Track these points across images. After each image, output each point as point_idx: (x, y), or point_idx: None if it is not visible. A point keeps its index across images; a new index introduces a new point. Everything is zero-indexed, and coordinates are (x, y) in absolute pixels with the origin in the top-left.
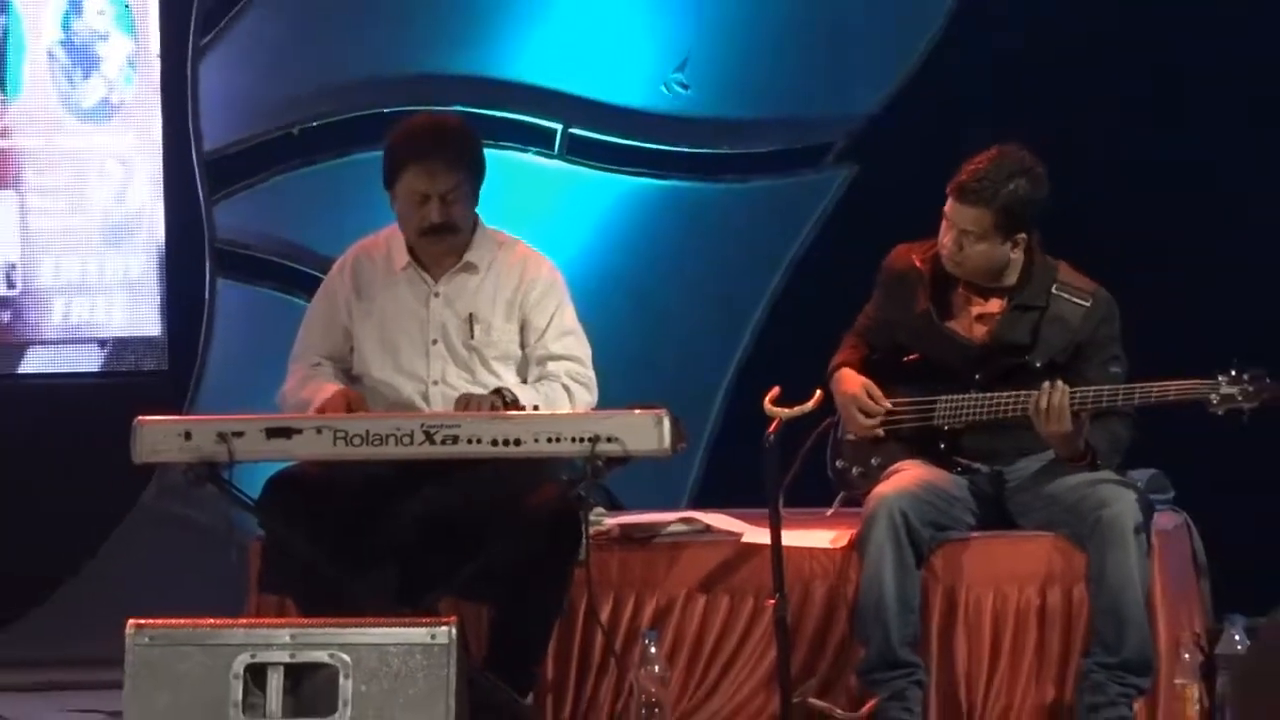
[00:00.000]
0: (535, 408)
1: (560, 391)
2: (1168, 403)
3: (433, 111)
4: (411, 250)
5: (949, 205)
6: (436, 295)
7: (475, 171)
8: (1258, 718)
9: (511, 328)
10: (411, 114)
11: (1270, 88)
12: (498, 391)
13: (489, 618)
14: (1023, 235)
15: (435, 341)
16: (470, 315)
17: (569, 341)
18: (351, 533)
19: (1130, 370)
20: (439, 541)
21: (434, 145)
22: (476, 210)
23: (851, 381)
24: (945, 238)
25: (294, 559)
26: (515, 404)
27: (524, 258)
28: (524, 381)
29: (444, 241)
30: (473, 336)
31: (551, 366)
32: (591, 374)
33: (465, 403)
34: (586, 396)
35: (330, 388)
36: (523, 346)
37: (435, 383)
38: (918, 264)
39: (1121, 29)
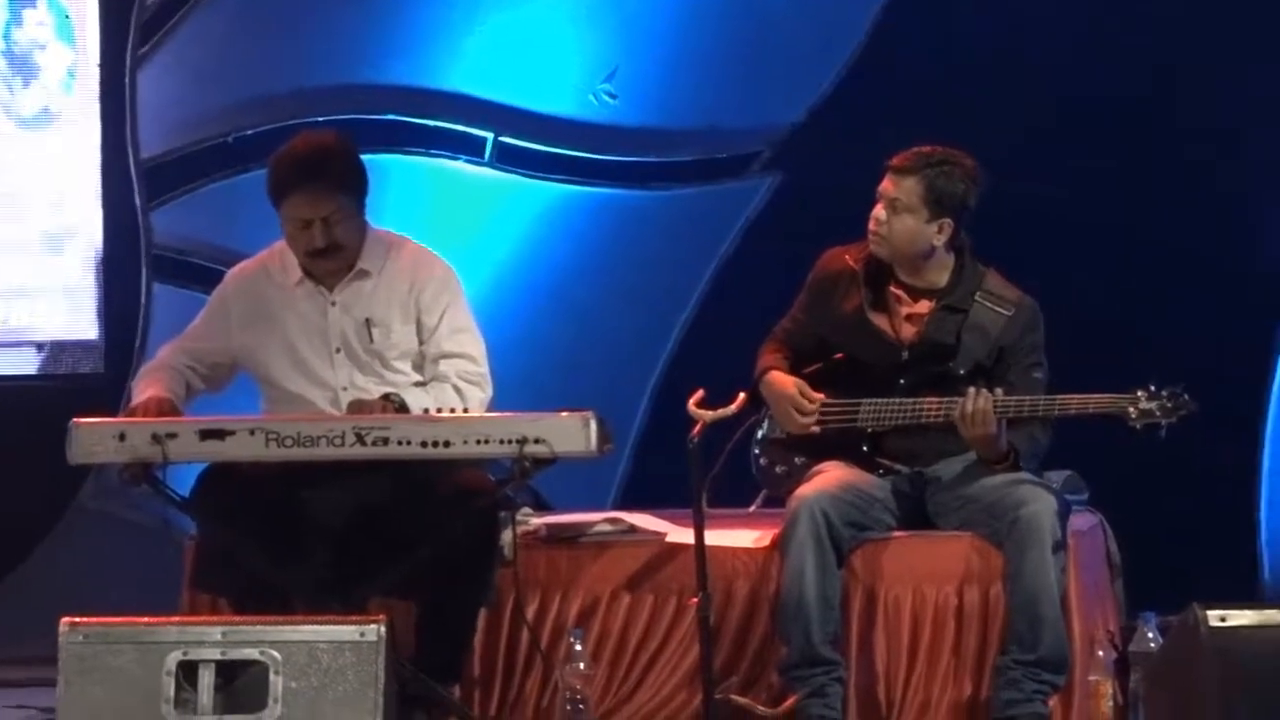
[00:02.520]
0: (425, 410)
1: (451, 393)
2: (1087, 415)
3: (308, 132)
4: (303, 264)
5: (885, 180)
6: (334, 304)
7: (355, 190)
8: (1168, 714)
9: (409, 328)
10: (297, 135)
11: (1189, 98)
12: (386, 396)
13: (414, 612)
14: (948, 222)
15: (338, 350)
16: (367, 320)
17: (461, 339)
18: (282, 529)
19: (1052, 377)
20: (368, 536)
21: (310, 173)
22: (365, 218)
23: (784, 382)
24: (876, 212)
25: (226, 557)
26: (404, 408)
27: (416, 257)
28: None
29: (331, 261)
30: (372, 341)
31: (443, 366)
32: (484, 370)
33: (357, 407)
34: (479, 395)
35: (150, 390)
36: (420, 344)
37: (344, 389)
38: (850, 263)
39: (1039, 40)
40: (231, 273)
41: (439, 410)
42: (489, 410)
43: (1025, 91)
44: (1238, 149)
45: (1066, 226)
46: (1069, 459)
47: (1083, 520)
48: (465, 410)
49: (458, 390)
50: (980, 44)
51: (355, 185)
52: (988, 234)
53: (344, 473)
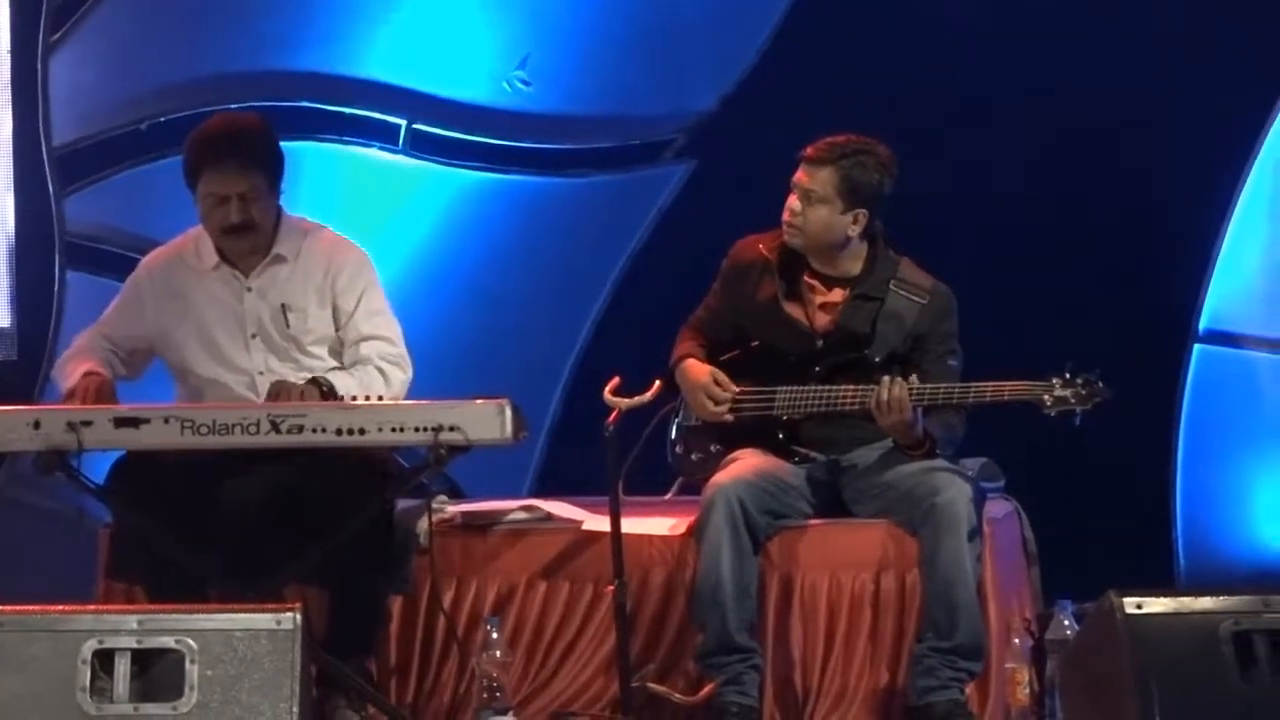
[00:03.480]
0: (354, 397)
1: (375, 374)
2: (1002, 402)
3: (224, 113)
4: (220, 249)
5: (799, 171)
6: (250, 290)
7: (271, 169)
8: (1084, 700)
9: (325, 313)
10: (210, 117)
11: (1091, 89)
12: (314, 380)
13: (324, 595)
14: (863, 212)
15: (254, 335)
16: (283, 305)
17: (378, 321)
18: (196, 516)
19: (968, 363)
20: (279, 521)
21: (228, 149)
22: (279, 203)
23: (698, 370)
24: (790, 202)
25: (142, 545)
26: (332, 392)
27: (331, 244)
28: (340, 364)
29: (245, 240)
30: (288, 326)
31: (364, 350)
32: (402, 351)
33: (278, 391)
34: (400, 375)
35: (83, 367)
36: (336, 329)
37: (260, 373)
38: (764, 252)
39: (954, 27)
40: (145, 259)
41: (366, 395)
42: (408, 392)
43: (939, 78)
44: (1158, 141)
45: (980, 215)
46: (985, 446)
47: (998, 508)
48: (388, 391)
49: (380, 371)
50: (894, 30)
51: (271, 165)
52: (900, 222)
53: (257, 459)
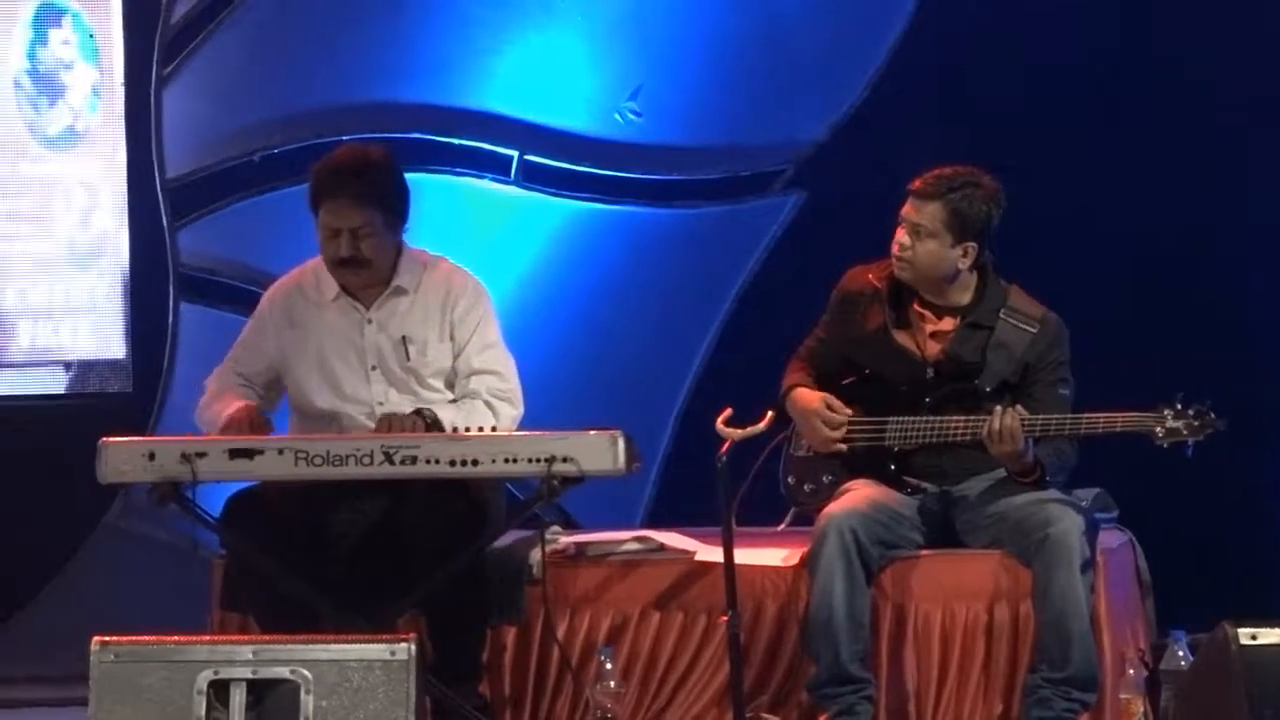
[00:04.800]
0: (455, 428)
1: (483, 410)
2: (1114, 433)
3: (348, 145)
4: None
5: (906, 205)
6: (369, 322)
7: (390, 206)
8: None
9: (444, 346)
10: (334, 149)
11: (1227, 118)
12: (418, 412)
13: (435, 633)
14: (973, 245)
15: (374, 367)
16: (404, 338)
17: (490, 356)
18: (310, 548)
19: (1080, 392)
20: (391, 552)
21: (345, 183)
22: (401, 237)
23: (810, 397)
24: (899, 236)
25: (255, 576)
26: (436, 424)
27: (449, 275)
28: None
29: (355, 274)
30: (408, 359)
31: (474, 383)
32: (513, 387)
33: (387, 423)
34: (510, 411)
35: (236, 403)
36: (454, 361)
37: (380, 404)
38: (874, 281)
39: (1062, 55)
40: (268, 290)
41: (469, 428)
42: (519, 427)
43: (1049, 108)
44: (1269, 154)
45: (1089, 241)
46: (1098, 477)
47: (1112, 538)
48: (496, 427)
49: (489, 406)
50: (1001, 60)
51: (390, 202)
52: (1010, 250)
53: (369, 490)
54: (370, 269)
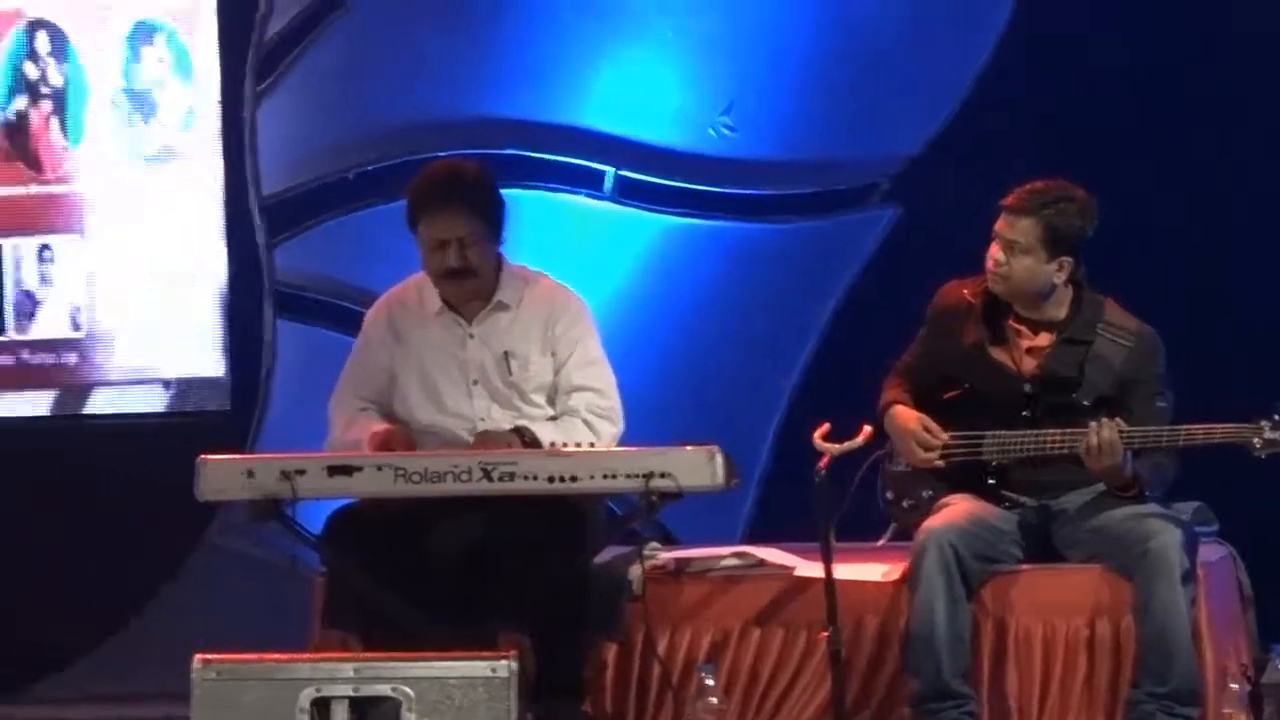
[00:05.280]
0: (553, 444)
1: (581, 427)
2: (1212, 445)
3: (445, 160)
4: (444, 295)
5: (1000, 220)
6: (472, 336)
7: (491, 216)
8: None
9: (546, 361)
10: (432, 163)
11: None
12: (517, 429)
13: (536, 650)
14: (1067, 260)
15: (476, 382)
16: (506, 353)
17: (590, 372)
18: (410, 564)
19: (1178, 403)
20: (491, 569)
21: (447, 194)
22: (500, 250)
23: (907, 416)
24: (993, 252)
25: (356, 593)
26: (534, 442)
27: (551, 291)
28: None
29: (463, 285)
30: (510, 373)
31: (573, 400)
32: (613, 404)
33: (484, 440)
34: (608, 429)
35: (379, 425)
36: (555, 377)
37: (482, 420)
38: (969, 297)
39: (1164, 65)
40: (370, 311)
41: (568, 445)
42: (618, 444)
43: (1147, 119)
44: None
45: (1184, 253)
46: (1198, 490)
47: (1212, 552)
48: (595, 444)
49: (588, 424)
50: (1097, 73)
51: (491, 212)
52: (1104, 262)
53: (468, 506)
54: (477, 279)
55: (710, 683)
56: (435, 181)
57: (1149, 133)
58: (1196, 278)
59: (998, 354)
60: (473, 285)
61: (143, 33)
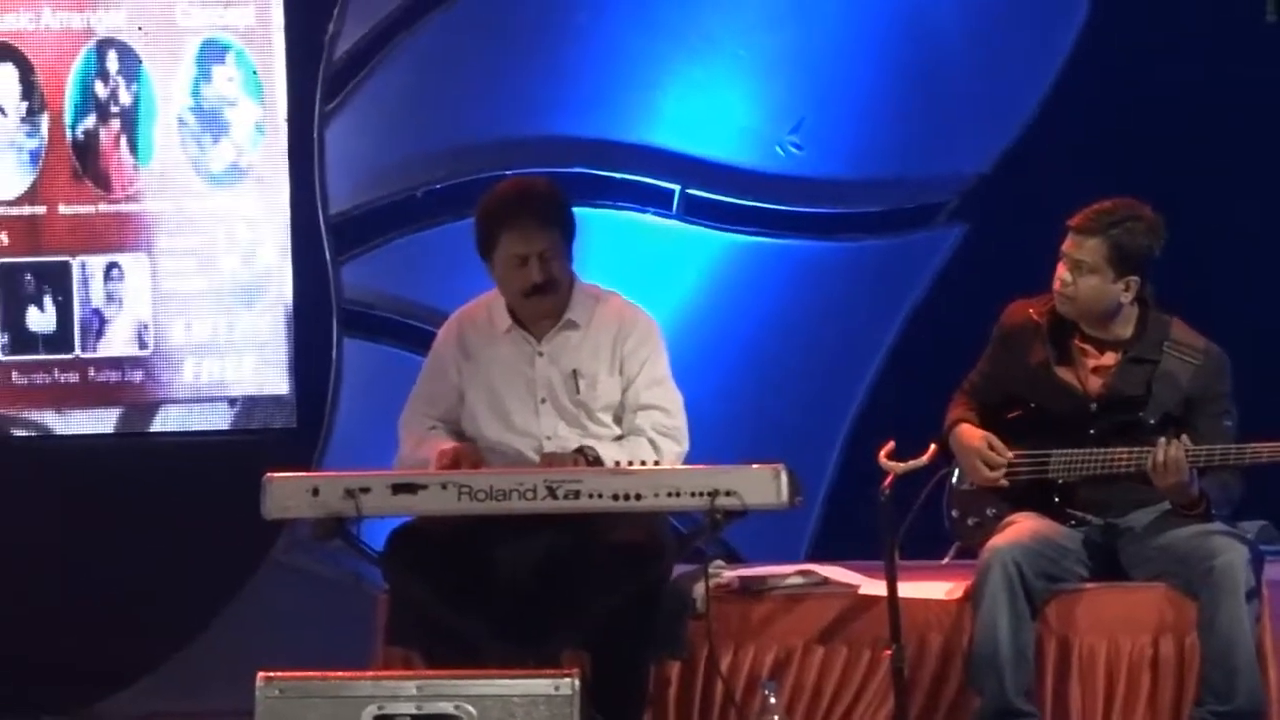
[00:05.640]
0: (617, 463)
1: (646, 446)
2: (1278, 463)
3: (518, 177)
4: (513, 312)
5: (1066, 241)
6: (541, 355)
7: (567, 230)
8: None
9: (614, 380)
10: (504, 179)
11: None
12: (580, 450)
13: (598, 668)
14: (1134, 279)
15: (543, 400)
16: (574, 371)
17: (658, 392)
18: (473, 582)
19: (1242, 422)
20: (553, 588)
21: (526, 208)
22: (572, 268)
23: (972, 435)
24: (1060, 272)
25: (418, 610)
26: (598, 461)
27: (621, 309)
28: None
29: (546, 300)
30: (578, 392)
31: (640, 419)
32: (679, 424)
33: (549, 461)
34: (673, 448)
35: (449, 443)
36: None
37: (548, 438)
38: (1035, 316)
39: (1227, 85)
40: (441, 331)
41: (632, 463)
42: (683, 462)
43: (1213, 138)
44: None
45: (1251, 271)
46: (1264, 509)
47: (1277, 570)
48: (659, 463)
49: (653, 443)
50: (1164, 91)
51: (567, 225)
52: (1172, 279)
53: (531, 525)
54: (558, 293)
55: (773, 700)
56: (512, 198)
57: (1214, 150)
58: (1263, 295)
59: (1064, 373)
60: (554, 300)
61: (212, 51)
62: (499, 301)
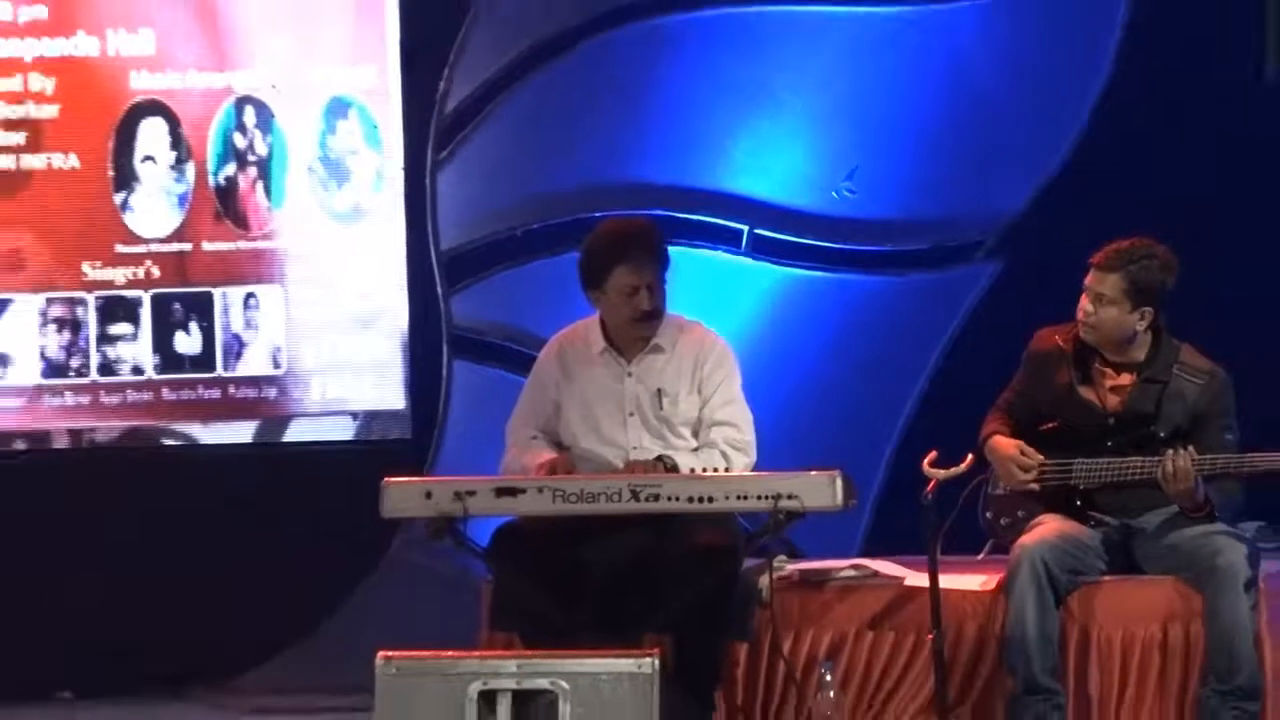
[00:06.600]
0: (692, 470)
1: (717, 456)
2: (1274, 472)
3: (624, 216)
4: (607, 336)
5: (1089, 275)
6: (630, 374)
7: (667, 264)
8: None
9: (693, 399)
10: (608, 219)
11: None
12: (660, 458)
13: (677, 650)
14: (1149, 309)
15: (631, 414)
16: (659, 390)
17: (730, 410)
18: (566, 574)
19: (1243, 437)
20: (633, 581)
21: (638, 244)
22: None
23: (1006, 444)
24: (1083, 304)
25: (518, 600)
26: (674, 468)
27: (701, 337)
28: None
29: (651, 325)
30: (661, 408)
31: (714, 433)
32: (748, 439)
33: (631, 467)
34: (742, 459)
35: (548, 453)
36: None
37: (634, 449)
38: (1060, 342)
39: (1261, 132)
40: (542, 353)
41: (707, 469)
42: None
43: (1235, 183)
44: None
45: (1257, 304)
46: (1260, 511)
47: (1273, 565)
48: (728, 471)
49: (724, 455)
50: (1191, 136)
51: (667, 260)
52: (1182, 310)
53: (617, 524)
54: (659, 320)
55: (829, 679)
56: (625, 235)
57: (1236, 195)
58: (1264, 324)
59: (1085, 392)
60: (657, 325)
61: (337, 108)
62: (594, 325)
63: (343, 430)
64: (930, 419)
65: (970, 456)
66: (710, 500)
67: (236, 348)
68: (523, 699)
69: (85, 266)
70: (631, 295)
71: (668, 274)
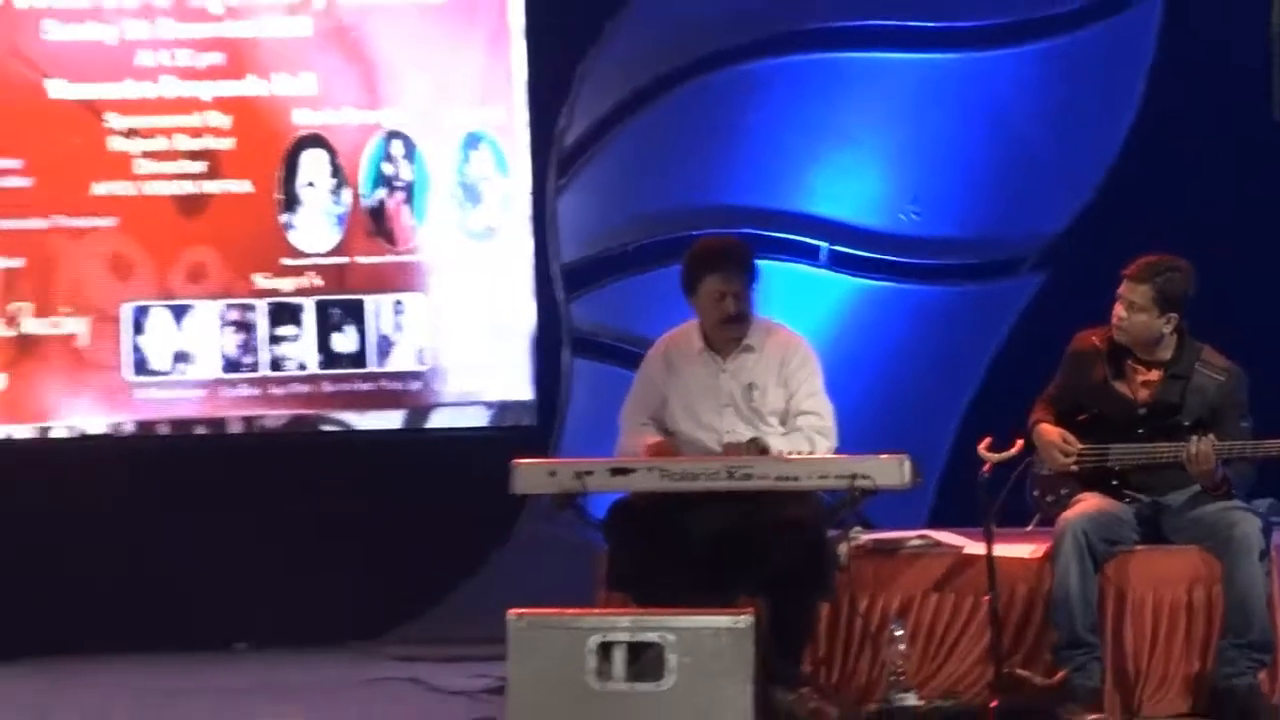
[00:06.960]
0: (780, 452)
1: (803, 440)
2: None
3: (718, 234)
4: (705, 338)
5: (1122, 285)
6: (725, 371)
7: (754, 276)
8: None
9: (780, 392)
10: (704, 236)
11: None
12: (754, 440)
13: (768, 609)
14: (1174, 315)
15: (726, 405)
16: (750, 384)
17: (814, 401)
18: (672, 542)
19: (1255, 425)
20: (734, 547)
21: (726, 257)
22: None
23: (1051, 431)
24: (1117, 310)
25: (630, 565)
26: (765, 449)
27: (787, 338)
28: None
29: (738, 329)
30: (752, 400)
31: (800, 421)
32: (830, 425)
33: (730, 448)
34: (825, 443)
35: (655, 438)
36: (786, 404)
37: (728, 433)
38: (1097, 343)
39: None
40: (649, 353)
41: (794, 452)
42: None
43: (1256, 209)
44: None
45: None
46: (1273, 489)
47: None
48: (813, 453)
49: (810, 440)
50: (1223, 156)
51: (754, 272)
52: (1207, 316)
53: (716, 499)
54: (745, 323)
55: (899, 634)
56: (716, 249)
57: (1249, 217)
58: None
59: (1119, 386)
60: (742, 328)
61: (472, 140)
62: (695, 328)
63: (478, 418)
64: (984, 409)
65: (1020, 442)
66: (795, 479)
67: (386, 347)
68: (635, 650)
69: (257, 277)
70: (719, 301)
71: (757, 285)
